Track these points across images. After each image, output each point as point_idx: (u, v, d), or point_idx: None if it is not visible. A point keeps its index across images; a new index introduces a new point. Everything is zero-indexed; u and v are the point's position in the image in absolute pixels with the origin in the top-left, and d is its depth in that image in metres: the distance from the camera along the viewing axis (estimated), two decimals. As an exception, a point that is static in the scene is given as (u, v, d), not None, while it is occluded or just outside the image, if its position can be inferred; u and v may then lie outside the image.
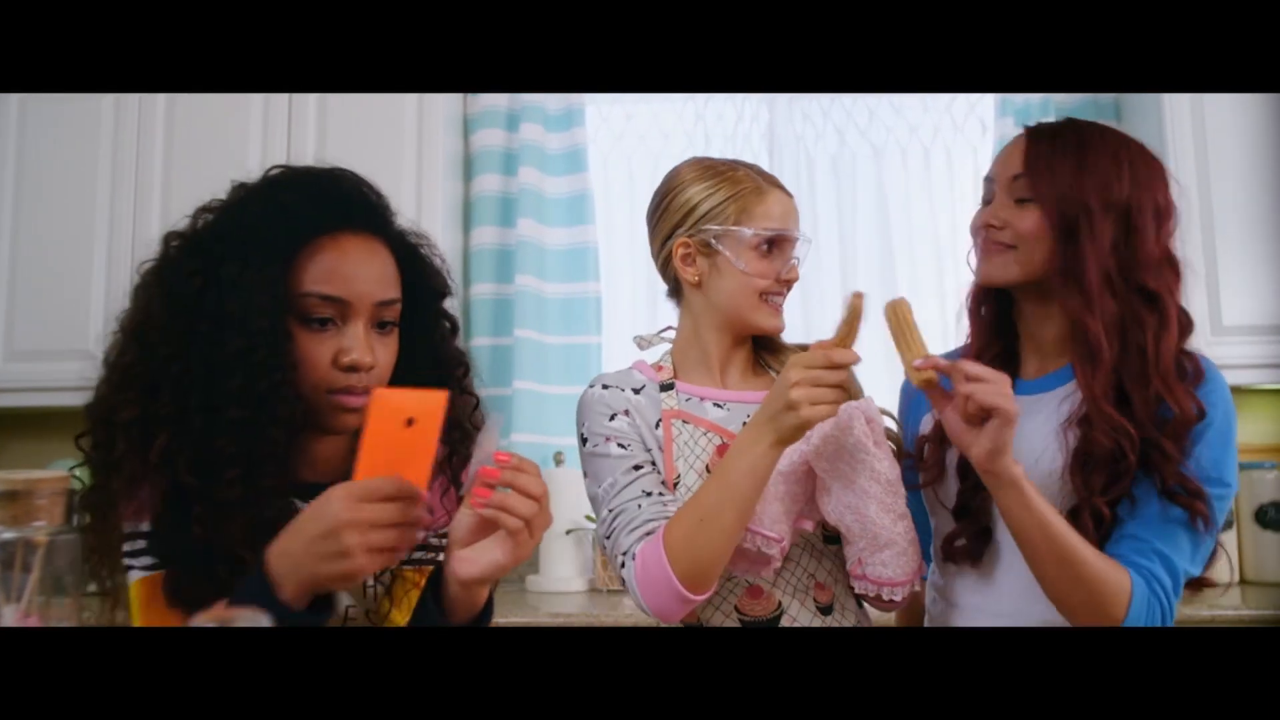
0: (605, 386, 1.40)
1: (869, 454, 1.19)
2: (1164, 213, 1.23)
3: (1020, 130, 1.31)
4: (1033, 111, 2.73)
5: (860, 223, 2.87)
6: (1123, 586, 1.13)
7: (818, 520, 1.27)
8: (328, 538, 0.88)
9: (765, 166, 2.88)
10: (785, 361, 1.37)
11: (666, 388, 1.40)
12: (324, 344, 1.02)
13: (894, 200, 2.87)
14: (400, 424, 0.90)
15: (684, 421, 1.36)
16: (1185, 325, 1.23)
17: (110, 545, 1.02)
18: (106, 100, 2.62)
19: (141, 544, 1.03)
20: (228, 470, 0.98)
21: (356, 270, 1.04)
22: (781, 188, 1.41)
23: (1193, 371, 1.21)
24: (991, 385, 1.09)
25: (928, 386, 1.13)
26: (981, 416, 1.10)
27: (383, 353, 1.06)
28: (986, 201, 1.31)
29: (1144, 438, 1.17)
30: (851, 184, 2.89)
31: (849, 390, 1.22)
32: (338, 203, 1.07)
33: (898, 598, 1.26)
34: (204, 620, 0.62)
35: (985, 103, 2.86)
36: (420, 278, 1.14)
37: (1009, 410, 1.08)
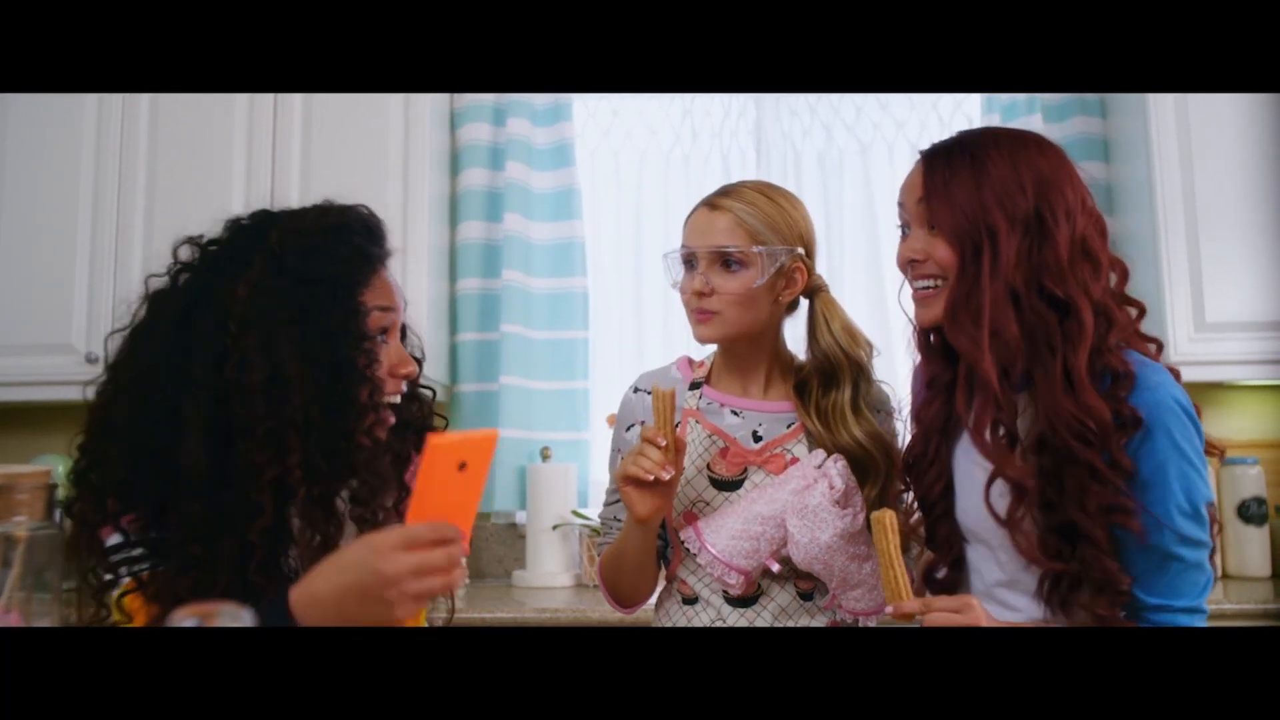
0: (635, 390, 1.53)
1: (830, 513, 1.28)
2: (1074, 208, 1.18)
3: (918, 152, 1.30)
4: (1018, 109, 2.73)
5: (847, 219, 2.87)
6: None
7: (787, 565, 1.36)
8: (369, 589, 0.89)
9: (752, 163, 2.91)
10: (803, 398, 1.43)
11: (695, 386, 1.49)
12: (388, 354, 1.14)
13: (880, 196, 2.86)
14: (454, 469, 0.90)
15: (696, 421, 1.44)
16: (1113, 320, 1.17)
17: (94, 546, 1.03)
18: (90, 99, 2.59)
19: (130, 553, 1.05)
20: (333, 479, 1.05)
21: (395, 292, 1.17)
22: (710, 203, 1.43)
23: (1123, 375, 1.15)
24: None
25: (906, 622, 1.18)
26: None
27: None
28: (904, 229, 1.28)
29: (1067, 453, 1.13)
30: (838, 180, 2.89)
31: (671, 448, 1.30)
32: (381, 240, 1.19)
33: (873, 624, 1.38)
34: (185, 616, 0.62)
35: (972, 100, 2.86)
36: None
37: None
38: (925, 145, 1.29)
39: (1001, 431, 1.18)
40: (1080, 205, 1.19)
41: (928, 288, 1.23)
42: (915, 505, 1.35)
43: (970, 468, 1.25)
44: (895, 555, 1.17)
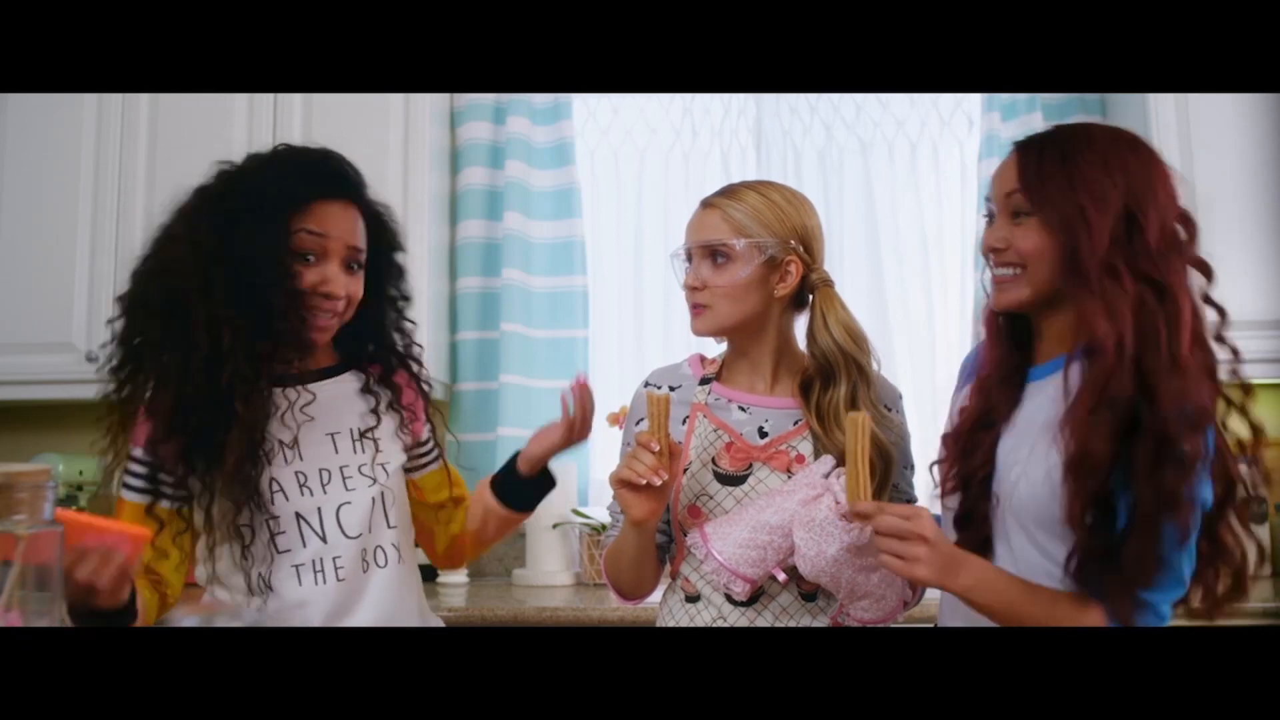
0: (646, 385, 1.56)
1: (837, 527, 1.28)
2: (1165, 207, 1.22)
3: (1012, 144, 1.32)
4: (1019, 107, 2.73)
5: (847, 217, 2.87)
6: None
7: (793, 574, 1.36)
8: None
9: (752, 161, 2.91)
10: (805, 396, 1.45)
11: (704, 381, 1.51)
12: (309, 273, 1.35)
13: (881, 195, 2.87)
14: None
15: (703, 416, 1.47)
16: (1199, 312, 1.21)
17: (126, 419, 1.32)
18: (90, 98, 2.59)
19: (139, 469, 1.34)
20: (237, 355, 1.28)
21: (336, 222, 1.38)
22: (706, 201, 1.48)
23: (1204, 366, 1.19)
24: (894, 546, 1.16)
25: (860, 522, 1.24)
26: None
27: (351, 285, 1.40)
28: (989, 218, 1.33)
29: (1161, 433, 1.14)
30: (839, 178, 2.89)
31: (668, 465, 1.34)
32: (327, 176, 1.40)
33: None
34: (185, 616, 0.62)
35: (972, 99, 2.86)
36: (382, 237, 1.48)
37: (910, 575, 1.16)
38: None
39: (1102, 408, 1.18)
40: (1170, 205, 1.23)
41: (1006, 274, 1.28)
42: (951, 479, 1.36)
43: (1034, 447, 1.26)
44: (863, 456, 1.22)
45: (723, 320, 1.44)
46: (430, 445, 1.56)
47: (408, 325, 1.53)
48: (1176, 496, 1.13)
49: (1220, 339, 1.24)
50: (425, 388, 1.54)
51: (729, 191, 1.47)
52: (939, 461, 1.40)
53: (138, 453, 1.35)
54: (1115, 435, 1.16)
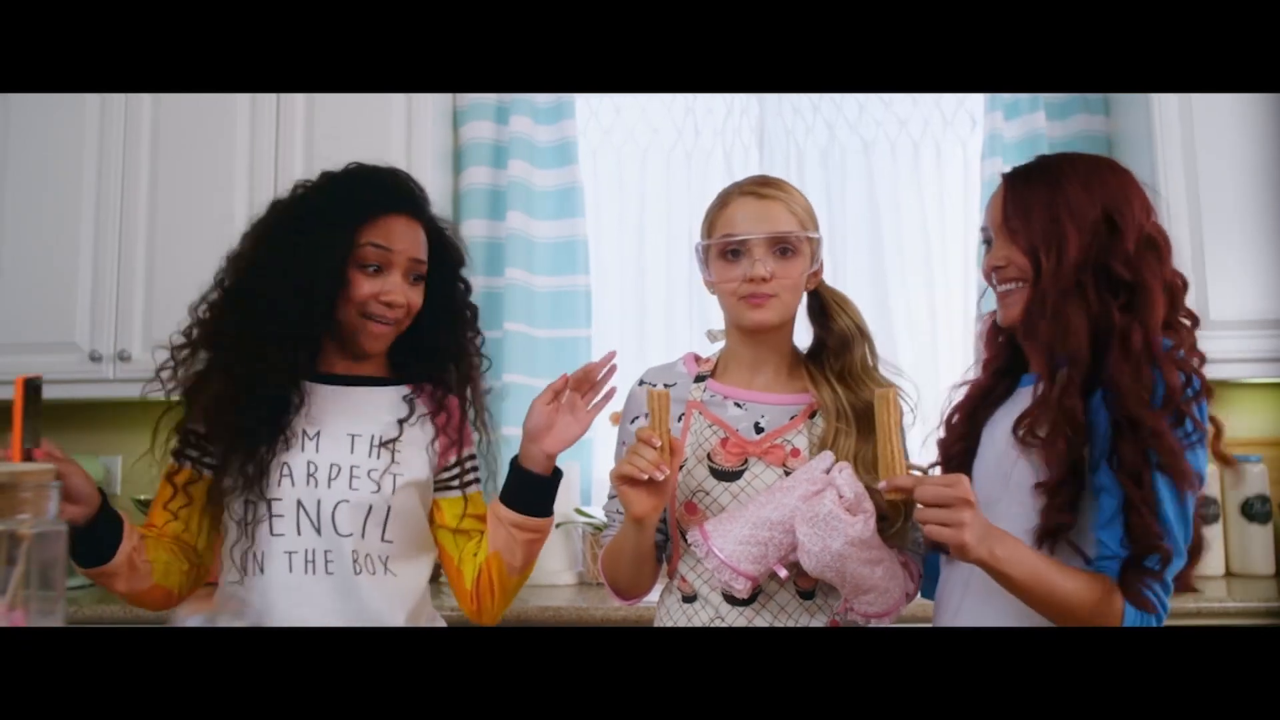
0: (641, 383, 1.57)
1: (841, 521, 1.28)
2: (1140, 216, 1.30)
3: (1001, 176, 1.41)
4: (1021, 107, 2.73)
5: (850, 216, 2.87)
6: (1114, 608, 1.19)
7: (795, 570, 1.36)
8: None
9: (755, 160, 2.91)
10: (818, 369, 1.48)
11: (700, 379, 1.52)
12: (371, 283, 1.43)
13: (883, 194, 2.86)
14: None
15: (699, 412, 1.47)
16: (1177, 296, 1.29)
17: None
18: (93, 98, 2.60)
19: (181, 435, 1.45)
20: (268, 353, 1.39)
21: (400, 236, 1.46)
22: (755, 193, 1.46)
23: (1191, 344, 1.27)
24: (940, 514, 1.15)
25: (899, 496, 1.23)
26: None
27: (414, 296, 1.48)
28: (987, 243, 1.41)
29: (1130, 417, 1.20)
30: (841, 177, 2.89)
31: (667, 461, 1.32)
32: (393, 192, 1.49)
33: (885, 622, 1.39)
34: (190, 614, 0.62)
35: (975, 98, 2.86)
36: (444, 251, 1.54)
37: (957, 541, 1.15)
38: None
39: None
40: (1145, 216, 1.31)
41: (1010, 289, 1.34)
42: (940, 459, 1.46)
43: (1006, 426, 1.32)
44: (894, 431, 1.23)
45: (787, 312, 1.45)
46: (460, 470, 1.54)
47: (473, 347, 1.59)
48: (1164, 467, 1.19)
49: (1193, 346, 1.31)
50: (475, 416, 1.55)
51: (776, 184, 1.47)
52: (933, 464, 1.46)
53: (190, 424, 1.45)
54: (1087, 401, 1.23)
